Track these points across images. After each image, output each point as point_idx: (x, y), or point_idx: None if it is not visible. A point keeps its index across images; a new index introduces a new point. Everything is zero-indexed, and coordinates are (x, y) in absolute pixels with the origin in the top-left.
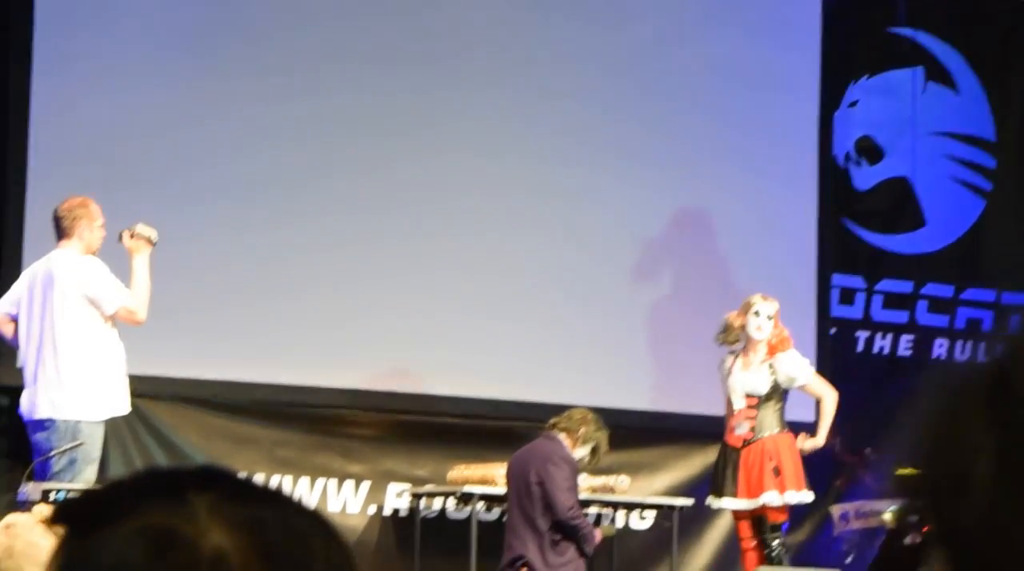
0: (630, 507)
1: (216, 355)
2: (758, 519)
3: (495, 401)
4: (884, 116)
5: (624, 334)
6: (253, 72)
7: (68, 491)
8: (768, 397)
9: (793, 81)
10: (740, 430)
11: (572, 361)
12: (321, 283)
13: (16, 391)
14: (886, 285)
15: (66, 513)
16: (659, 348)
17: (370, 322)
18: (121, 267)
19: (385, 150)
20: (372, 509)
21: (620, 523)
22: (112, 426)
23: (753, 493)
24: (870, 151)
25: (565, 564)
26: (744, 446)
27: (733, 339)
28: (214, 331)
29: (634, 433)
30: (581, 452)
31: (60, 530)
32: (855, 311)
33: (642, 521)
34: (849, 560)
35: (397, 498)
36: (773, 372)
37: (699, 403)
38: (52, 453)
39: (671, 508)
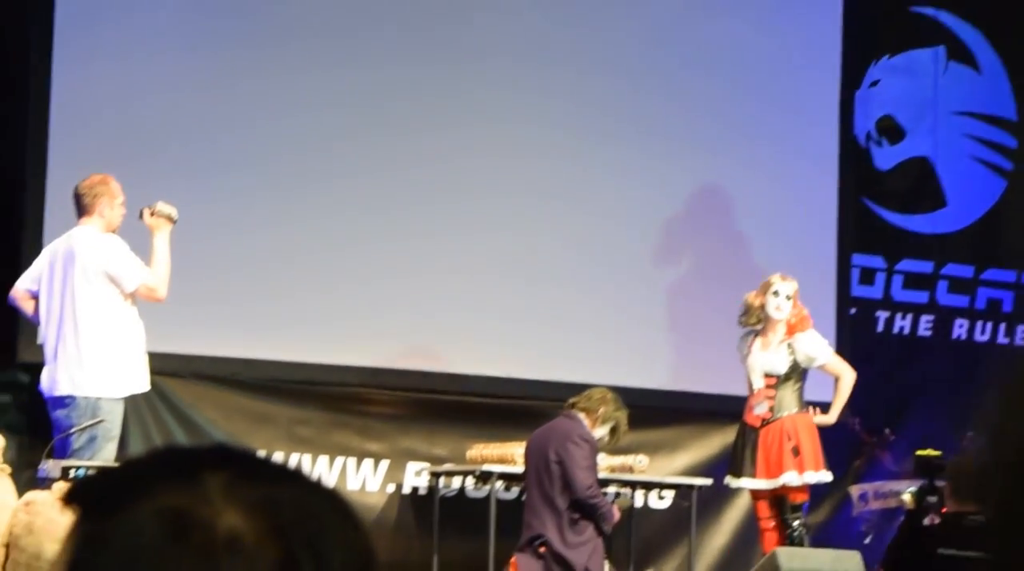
0: (649, 487)
1: (235, 333)
2: (778, 499)
3: (514, 380)
4: (905, 96)
5: (644, 313)
6: (274, 44)
7: (88, 468)
8: (787, 377)
9: (814, 60)
10: (759, 410)
11: (592, 340)
12: (341, 261)
13: (37, 368)
14: (906, 265)
15: (81, 494)
16: (679, 327)
17: (390, 301)
18: (141, 245)
19: (406, 128)
20: (391, 488)
21: (639, 503)
22: (132, 404)
23: (772, 473)
24: (891, 131)
25: (584, 543)
26: (763, 426)
27: (755, 321)
28: (233, 309)
29: (653, 412)
30: (600, 432)
31: (75, 511)
32: (875, 291)
33: (660, 501)
34: (868, 540)
35: (416, 477)
36: (792, 352)
37: (718, 382)
38: (72, 430)
39: (690, 488)
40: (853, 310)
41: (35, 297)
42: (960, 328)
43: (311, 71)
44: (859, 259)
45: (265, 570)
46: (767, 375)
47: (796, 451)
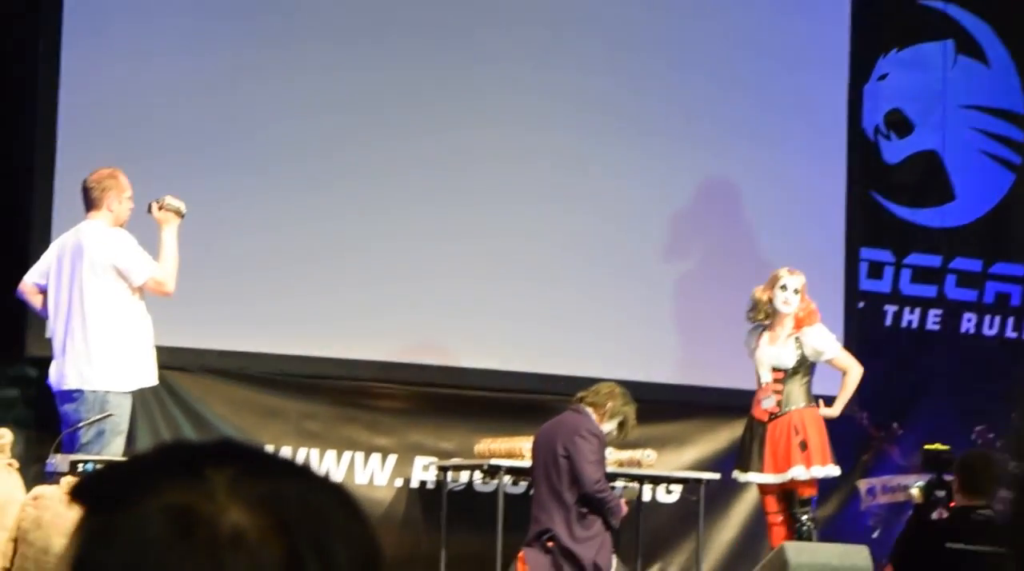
0: (656, 481)
1: (244, 327)
2: (787, 494)
3: (522, 374)
4: (914, 89)
5: (652, 307)
6: (283, 42)
7: (96, 463)
8: (795, 371)
9: (823, 54)
10: (766, 404)
11: (599, 334)
12: (349, 255)
13: (45, 362)
14: (915, 259)
15: (86, 490)
16: (687, 321)
17: (398, 295)
18: (150, 239)
19: (414, 122)
20: (399, 482)
21: (647, 497)
22: (140, 398)
23: (779, 467)
24: (900, 124)
25: (592, 538)
26: (771, 420)
27: (762, 316)
28: (242, 303)
29: (661, 407)
30: (608, 426)
31: (81, 507)
32: (883, 285)
33: (668, 495)
34: (876, 535)
35: (424, 471)
36: (800, 346)
37: (726, 376)
38: (80, 424)
39: (698, 482)
40: (861, 304)
41: (43, 291)
42: (968, 322)
43: (320, 70)
44: (867, 253)
45: (269, 566)
46: (775, 369)
47: (804, 445)
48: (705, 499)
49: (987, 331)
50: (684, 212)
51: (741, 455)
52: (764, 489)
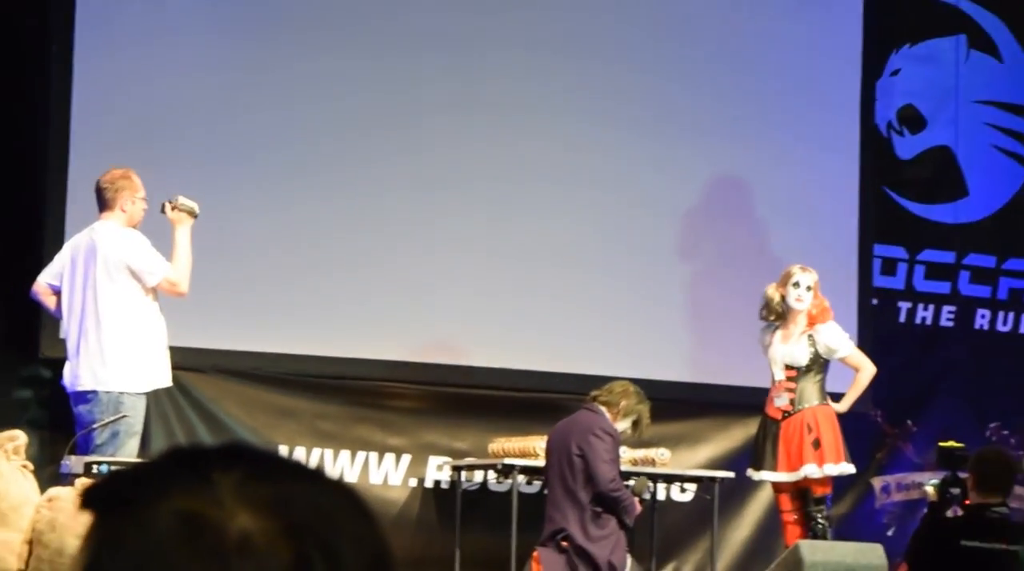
0: (671, 479)
1: (257, 327)
2: (801, 492)
3: (536, 373)
4: (926, 85)
5: (665, 305)
6: (295, 46)
7: (110, 464)
8: (808, 368)
9: (835, 49)
10: (779, 402)
11: (613, 332)
12: (363, 255)
13: (59, 363)
14: (928, 255)
15: (94, 497)
16: (700, 319)
17: (411, 294)
18: (163, 239)
19: (428, 128)
20: (413, 482)
21: (661, 496)
22: (154, 399)
23: (793, 465)
24: (912, 120)
25: (606, 537)
26: (784, 418)
27: (774, 315)
28: (255, 303)
29: (675, 405)
30: (622, 425)
31: (90, 513)
32: (897, 281)
33: (683, 494)
34: (890, 533)
35: (438, 471)
36: (813, 343)
37: (740, 375)
38: (95, 426)
39: (712, 480)
40: (875, 301)
41: (57, 292)
42: (982, 318)
43: (334, 73)
44: (881, 249)
45: (277, 570)
46: (788, 367)
47: (817, 444)
48: (719, 497)
49: (1001, 327)
50: (697, 209)
51: (755, 453)
52: (778, 487)
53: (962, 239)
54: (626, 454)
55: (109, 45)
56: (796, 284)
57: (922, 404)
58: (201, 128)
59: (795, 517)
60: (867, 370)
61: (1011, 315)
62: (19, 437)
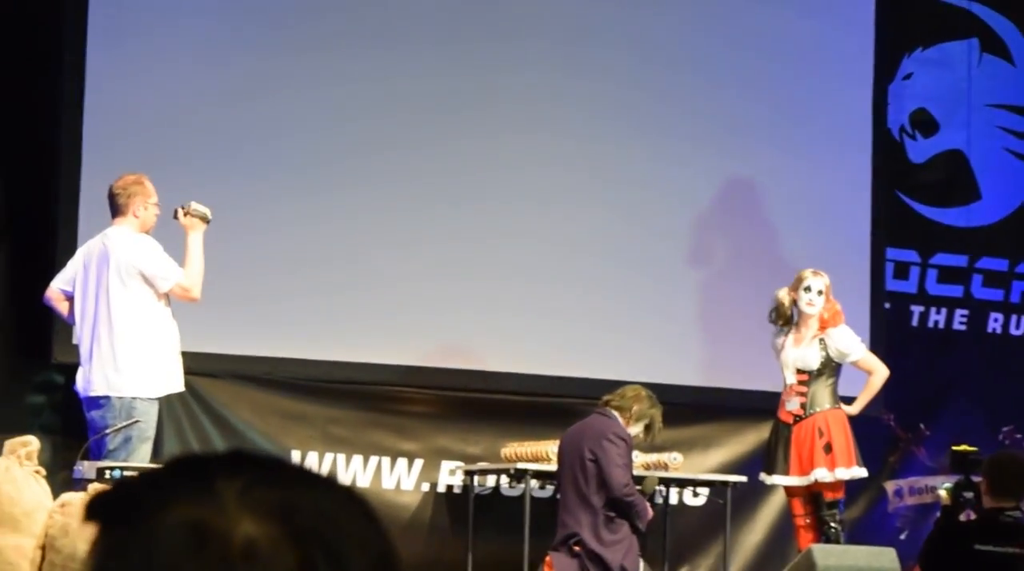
0: (683, 484)
1: (270, 332)
2: (814, 496)
3: (548, 377)
4: (939, 88)
5: (677, 309)
6: (304, 49)
7: (123, 469)
8: (820, 372)
9: (847, 53)
10: (791, 406)
11: (625, 336)
12: (375, 260)
13: (71, 369)
14: (941, 259)
15: (98, 508)
16: (712, 323)
17: (423, 299)
18: (175, 245)
19: (439, 127)
20: (425, 486)
21: (674, 500)
22: (166, 404)
23: (804, 470)
24: (925, 124)
25: (619, 541)
26: (796, 422)
27: (784, 319)
28: (267, 308)
29: (687, 409)
30: (635, 429)
31: (95, 524)
32: (910, 285)
33: (695, 498)
34: (903, 537)
35: (450, 475)
36: (824, 347)
37: (752, 379)
38: (107, 431)
39: (724, 485)
40: (888, 304)
41: (69, 298)
42: (995, 322)
43: (341, 75)
44: (893, 253)
45: None
46: (799, 371)
47: (828, 448)
48: (732, 502)
49: (1014, 331)
50: (709, 213)
51: (767, 457)
52: (790, 491)
53: (975, 243)
54: (639, 458)
55: (121, 53)
56: (807, 288)
57: (935, 408)
58: (213, 134)
59: (808, 521)
60: (880, 373)
61: None
62: (32, 442)
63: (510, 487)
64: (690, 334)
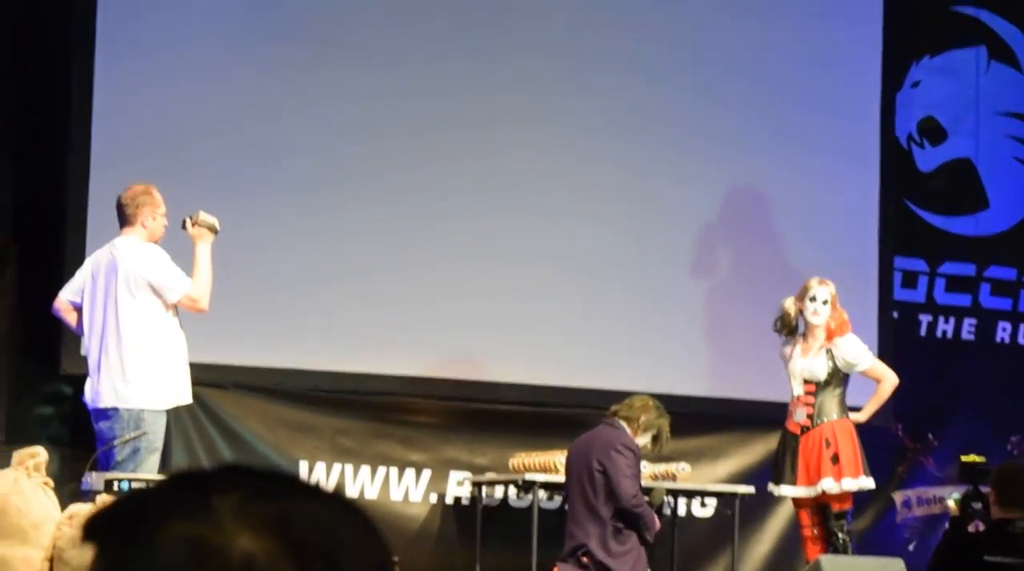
0: (691, 495)
1: (277, 343)
2: (822, 507)
3: (555, 388)
4: (947, 96)
5: (684, 319)
6: (313, 63)
7: (131, 481)
8: (827, 382)
9: (855, 61)
10: (798, 416)
11: (632, 347)
12: (383, 271)
13: (80, 380)
14: (949, 268)
15: (96, 527)
16: (720, 333)
17: (430, 310)
18: (183, 255)
19: (444, 140)
20: (433, 498)
21: (682, 511)
22: (174, 415)
23: (811, 480)
24: (933, 132)
25: (627, 552)
26: (803, 433)
27: (789, 329)
28: (275, 319)
29: (695, 420)
30: (643, 439)
31: (93, 542)
32: (918, 294)
33: (703, 509)
34: (912, 547)
35: (458, 486)
36: (831, 357)
37: (760, 389)
38: (115, 442)
39: (732, 495)
40: (895, 313)
41: (78, 308)
42: (1003, 331)
43: (351, 90)
44: (901, 262)
45: None
46: (807, 381)
47: (835, 458)
48: (740, 512)
49: (1022, 340)
50: (715, 222)
51: (775, 468)
52: (798, 502)
53: (983, 251)
54: (646, 469)
55: (129, 63)
56: (812, 298)
57: (943, 417)
58: (221, 144)
59: (816, 532)
60: (889, 380)
61: None
62: (40, 454)
63: (518, 498)
64: (698, 344)
